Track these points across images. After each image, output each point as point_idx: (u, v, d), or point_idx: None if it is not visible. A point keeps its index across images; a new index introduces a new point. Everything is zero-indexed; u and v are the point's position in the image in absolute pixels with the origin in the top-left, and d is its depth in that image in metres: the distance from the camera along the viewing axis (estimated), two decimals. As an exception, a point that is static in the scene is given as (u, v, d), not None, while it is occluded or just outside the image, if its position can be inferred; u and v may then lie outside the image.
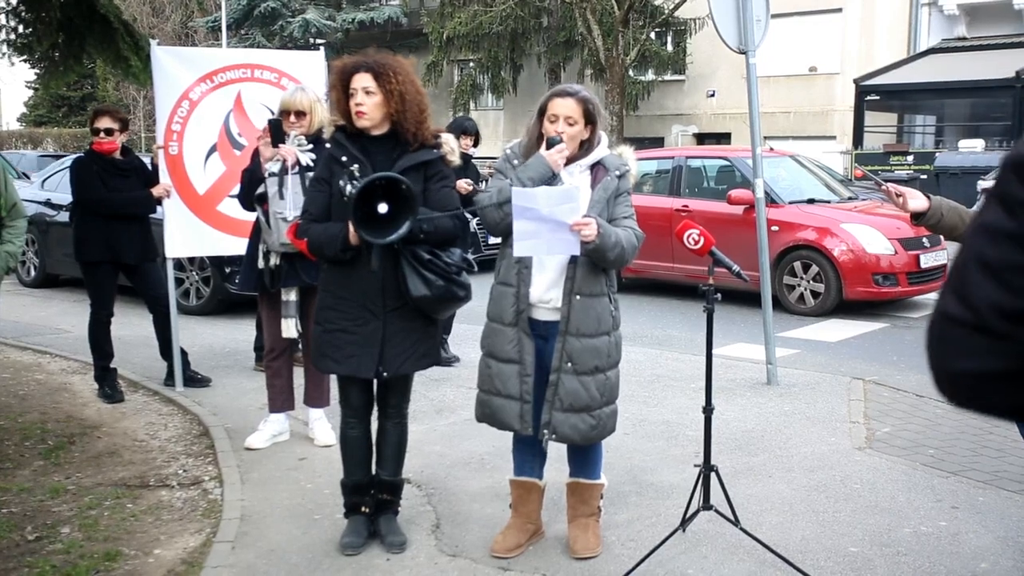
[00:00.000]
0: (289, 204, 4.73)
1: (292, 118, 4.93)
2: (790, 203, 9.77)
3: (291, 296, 5.05)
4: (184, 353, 6.33)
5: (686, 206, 10.16)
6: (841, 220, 9.44)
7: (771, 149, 11.54)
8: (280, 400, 5.24)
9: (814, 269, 9.29)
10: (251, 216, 6.29)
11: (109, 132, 5.98)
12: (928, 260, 9.30)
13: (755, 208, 6.66)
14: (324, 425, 5.19)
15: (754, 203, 9.27)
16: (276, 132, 4.85)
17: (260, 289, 5.16)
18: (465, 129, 7.17)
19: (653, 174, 11.10)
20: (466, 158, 6.96)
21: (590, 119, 3.55)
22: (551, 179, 3.48)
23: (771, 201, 9.45)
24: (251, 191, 5.02)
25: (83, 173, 6.05)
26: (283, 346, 5.19)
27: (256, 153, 5.02)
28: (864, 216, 9.62)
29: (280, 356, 5.21)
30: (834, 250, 9.18)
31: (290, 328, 5.06)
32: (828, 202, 10.14)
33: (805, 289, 9.35)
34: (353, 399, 3.83)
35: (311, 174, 4.56)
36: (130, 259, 6.10)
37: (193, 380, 6.32)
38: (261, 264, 5.05)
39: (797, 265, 9.40)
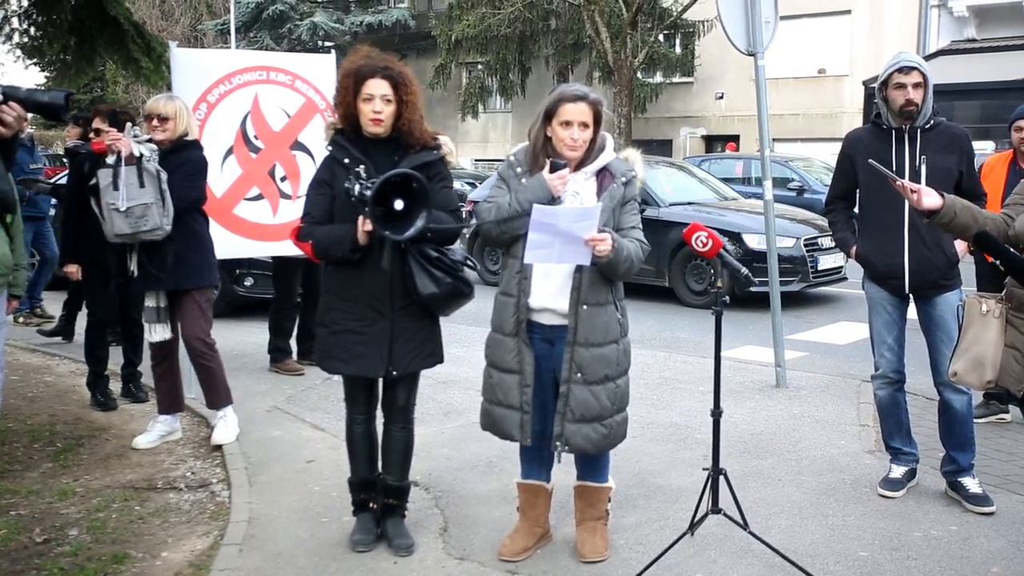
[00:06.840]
0: (123, 195, 4.72)
1: (155, 122, 4.97)
2: None
3: (151, 302, 5.03)
4: (135, 364, 6.24)
5: None
6: None
7: None
8: (168, 402, 5.28)
9: None
10: (268, 220, 6.33)
11: (98, 132, 5.98)
12: None
13: (764, 211, 6.62)
14: (225, 423, 5.21)
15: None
16: (113, 122, 4.94)
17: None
18: None
19: None
20: None
21: (598, 121, 3.54)
22: (550, 202, 3.46)
23: None
24: None
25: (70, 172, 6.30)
26: (168, 351, 5.17)
27: None
28: None
29: (165, 360, 5.20)
30: None
31: (153, 332, 5.05)
32: None
33: None
34: (359, 397, 3.85)
35: (151, 166, 4.70)
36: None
37: (134, 394, 6.20)
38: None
39: None
